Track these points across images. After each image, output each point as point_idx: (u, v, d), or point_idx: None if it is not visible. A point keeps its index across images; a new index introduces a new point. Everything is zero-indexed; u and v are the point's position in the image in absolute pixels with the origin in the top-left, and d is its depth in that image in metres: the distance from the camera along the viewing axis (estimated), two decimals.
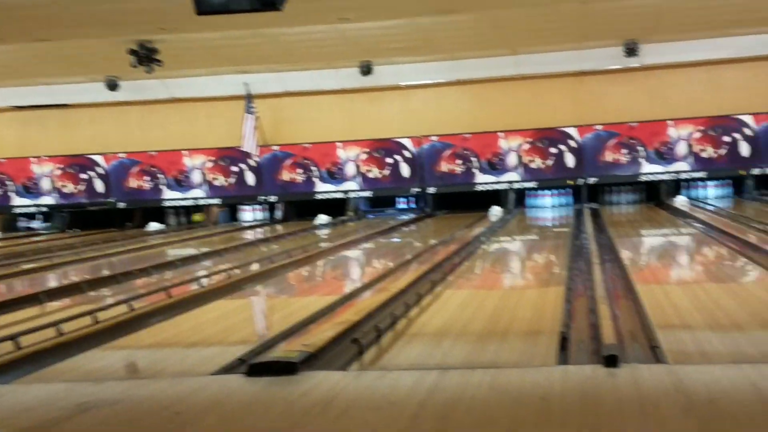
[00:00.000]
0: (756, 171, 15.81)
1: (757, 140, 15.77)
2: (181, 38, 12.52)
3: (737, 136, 15.83)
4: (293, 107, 17.63)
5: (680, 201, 15.00)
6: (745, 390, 3.54)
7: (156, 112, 18.27)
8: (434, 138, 16.84)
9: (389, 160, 17.10)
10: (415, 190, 17.12)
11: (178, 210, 18.61)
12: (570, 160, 16.38)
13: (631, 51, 14.94)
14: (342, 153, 17.25)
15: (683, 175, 16.09)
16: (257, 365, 4.37)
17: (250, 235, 15.04)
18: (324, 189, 17.29)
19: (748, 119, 15.77)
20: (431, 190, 16.98)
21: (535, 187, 16.72)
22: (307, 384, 4.05)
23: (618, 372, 3.91)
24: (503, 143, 16.62)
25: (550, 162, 16.46)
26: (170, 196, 18.02)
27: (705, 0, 11.69)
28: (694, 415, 3.26)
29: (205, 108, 17.93)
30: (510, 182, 16.63)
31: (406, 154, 17.01)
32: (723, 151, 15.89)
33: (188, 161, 17.87)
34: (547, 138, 16.49)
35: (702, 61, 15.92)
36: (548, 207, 16.90)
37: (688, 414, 3.29)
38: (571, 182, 16.46)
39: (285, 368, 4.28)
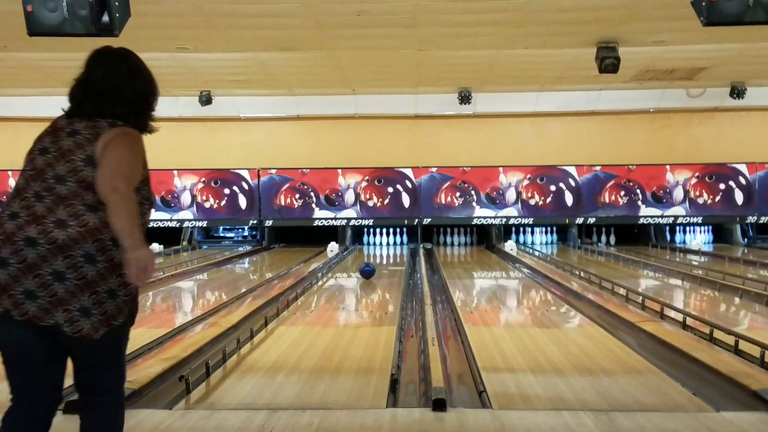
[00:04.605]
0: (579, 220, 16.64)
1: (580, 191, 16.63)
2: (9, 57, 11.86)
3: (562, 185, 16.65)
4: None
5: (509, 246, 15.56)
6: None
7: None
8: (273, 171, 16.79)
9: (227, 191, 16.90)
10: (253, 222, 16.97)
11: None
12: (406, 200, 16.70)
13: (464, 98, 15.43)
14: (178, 181, 16.88)
15: (512, 221, 16.72)
16: (75, 402, 4.17)
17: None
18: (157, 217, 16.82)
19: (572, 170, 16.63)
20: (268, 222, 16.87)
21: (372, 225, 16.93)
22: (128, 423, 3.89)
23: (445, 416, 3.99)
24: (342, 180, 16.76)
25: (386, 201, 16.72)
26: None
27: (532, 56, 12.23)
28: None
29: (32, 129, 17.01)
30: (347, 219, 16.77)
31: (245, 185, 16.86)
32: (549, 200, 16.65)
33: (13, 183, 16.97)
34: (384, 177, 16.76)
35: (528, 112, 16.69)
36: (384, 245, 17.15)
37: None
38: (406, 222, 16.80)
39: None
